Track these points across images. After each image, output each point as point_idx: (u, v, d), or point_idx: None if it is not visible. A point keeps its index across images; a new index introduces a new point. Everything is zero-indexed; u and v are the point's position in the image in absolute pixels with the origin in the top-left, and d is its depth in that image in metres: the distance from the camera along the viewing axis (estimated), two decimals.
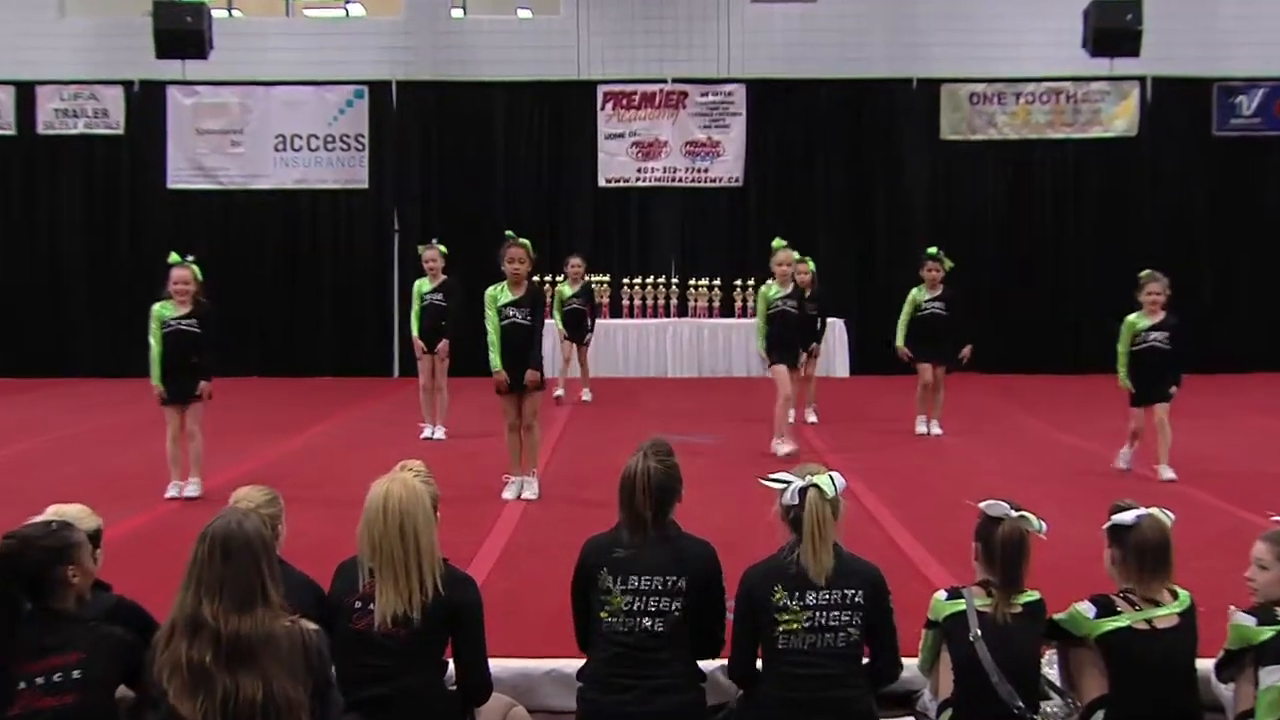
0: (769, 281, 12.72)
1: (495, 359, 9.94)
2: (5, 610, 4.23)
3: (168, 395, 10.16)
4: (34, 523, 4.40)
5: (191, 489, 10.07)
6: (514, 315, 9.96)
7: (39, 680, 4.11)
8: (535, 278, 10.63)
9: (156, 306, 10.20)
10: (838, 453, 11.94)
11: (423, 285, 13.57)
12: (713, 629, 5.14)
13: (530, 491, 10.08)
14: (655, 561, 4.95)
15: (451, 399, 13.46)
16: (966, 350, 13.47)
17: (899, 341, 13.53)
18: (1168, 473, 10.64)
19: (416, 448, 12.34)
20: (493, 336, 9.97)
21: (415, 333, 13.55)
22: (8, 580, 4.23)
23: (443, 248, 13.71)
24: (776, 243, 12.73)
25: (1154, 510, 5.14)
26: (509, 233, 10.31)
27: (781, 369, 12.30)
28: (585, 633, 5.17)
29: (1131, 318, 11.07)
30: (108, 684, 4.24)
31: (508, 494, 10.03)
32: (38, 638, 4.17)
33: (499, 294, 10.00)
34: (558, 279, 17.76)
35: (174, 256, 10.44)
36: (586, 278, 17.15)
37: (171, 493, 10.08)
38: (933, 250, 13.66)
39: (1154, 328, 11.03)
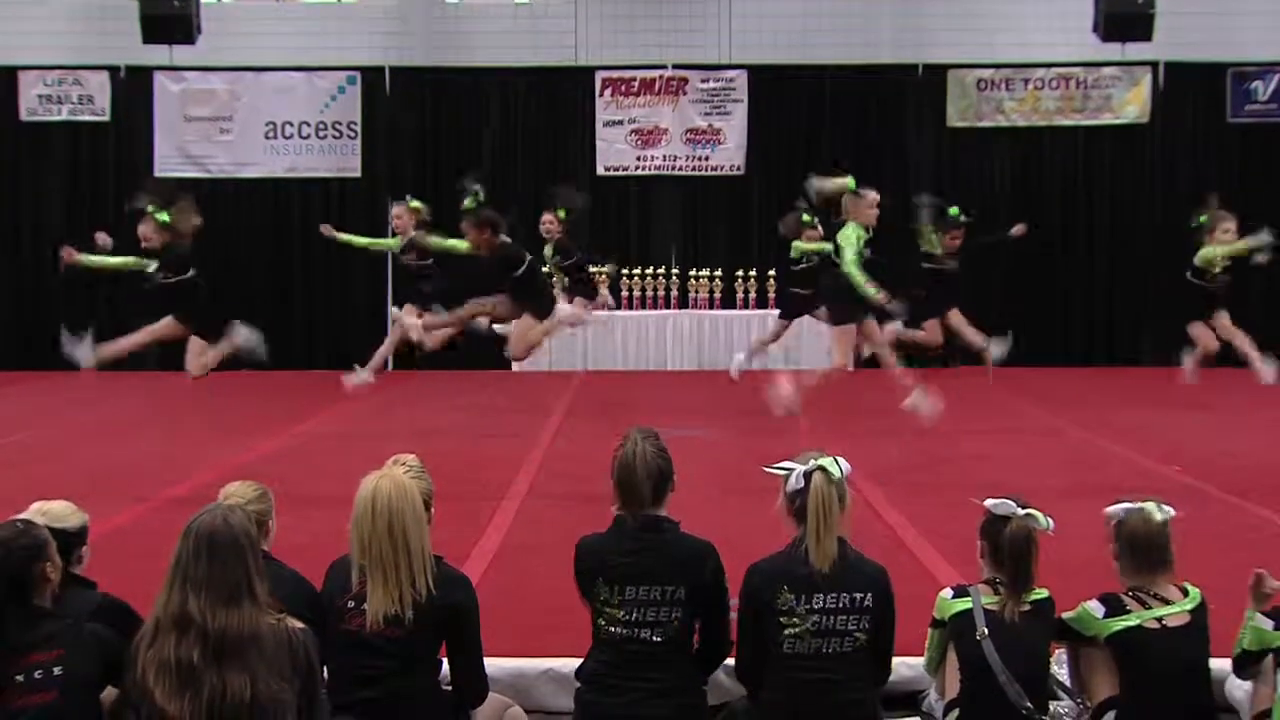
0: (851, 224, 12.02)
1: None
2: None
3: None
4: (1, 525, 4.40)
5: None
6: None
7: (19, 678, 4.12)
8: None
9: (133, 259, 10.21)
10: (841, 445, 11.91)
11: (394, 243, 13.32)
12: (717, 635, 5.12)
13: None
14: (653, 570, 4.91)
15: (449, 397, 13.42)
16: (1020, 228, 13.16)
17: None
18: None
19: (411, 442, 12.33)
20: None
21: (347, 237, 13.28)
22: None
23: (415, 203, 13.43)
24: (851, 183, 11.90)
25: (1146, 504, 5.14)
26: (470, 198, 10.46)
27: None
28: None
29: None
30: (89, 681, 4.25)
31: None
32: (18, 636, 4.18)
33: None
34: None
35: (150, 208, 10.35)
36: (564, 235, 16.01)
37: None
38: (954, 211, 13.37)
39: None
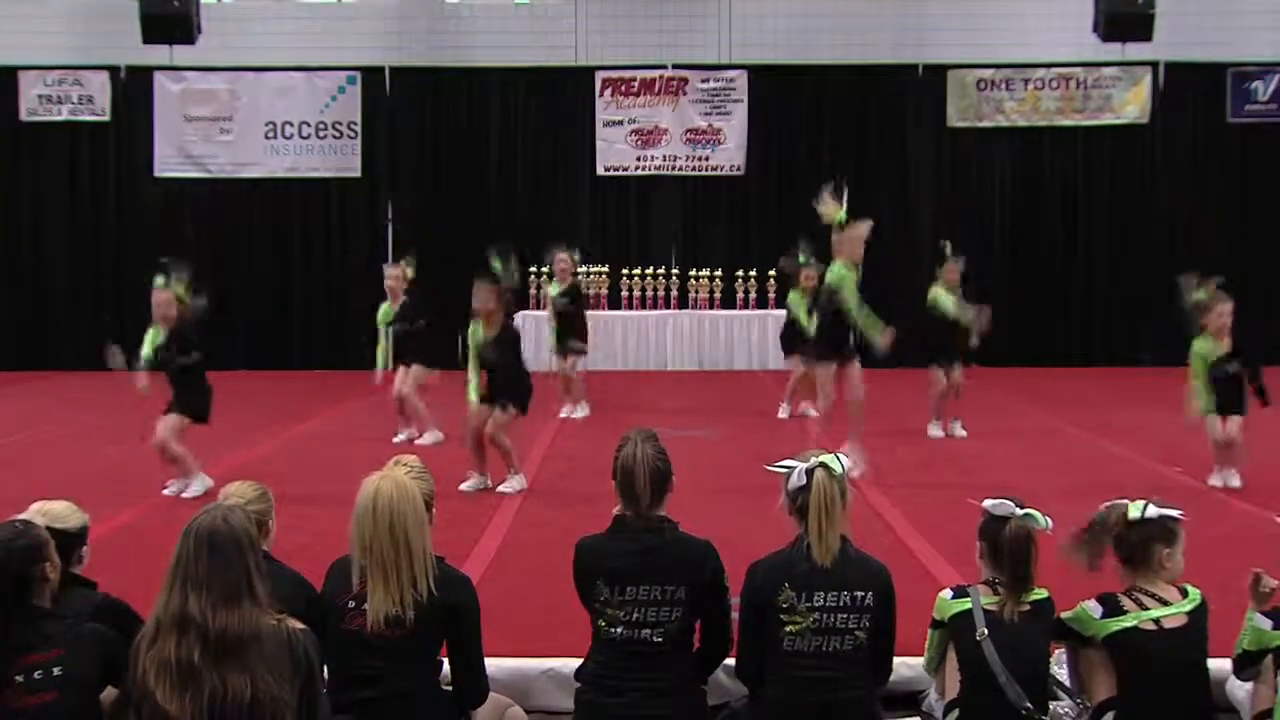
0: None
1: (471, 390, 10.33)
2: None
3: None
4: (2, 525, 4.40)
5: (193, 487, 10.01)
6: (488, 356, 10.30)
7: (19, 679, 4.12)
8: (511, 315, 10.89)
9: (150, 331, 10.30)
10: (841, 446, 11.93)
11: (386, 313, 13.40)
12: (718, 634, 5.12)
13: (517, 484, 10.27)
14: (653, 570, 4.91)
15: (449, 397, 13.39)
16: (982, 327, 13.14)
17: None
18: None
19: (413, 442, 12.34)
20: (470, 373, 10.37)
21: (380, 365, 13.38)
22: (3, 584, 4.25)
23: (409, 269, 13.52)
24: (840, 216, 11.18)
25: (1125, 501, 5.14)
26: (495, 263, 10.77)
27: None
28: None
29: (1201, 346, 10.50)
30: (89, 681, 4.25)
31: (466, 485, 10.23)
32: (17, 636, 4.18)
33: (475, 331, 10.36)
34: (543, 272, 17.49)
35: (158, 280, 10.43)
36: (575, 276, 15.69)
37: (169, 490, 10.16)
38: (947, 249, 13.35)
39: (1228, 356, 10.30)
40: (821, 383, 11.26)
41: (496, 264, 11.06)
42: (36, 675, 4.14)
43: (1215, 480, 10.39)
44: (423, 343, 13.27)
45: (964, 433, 12.95)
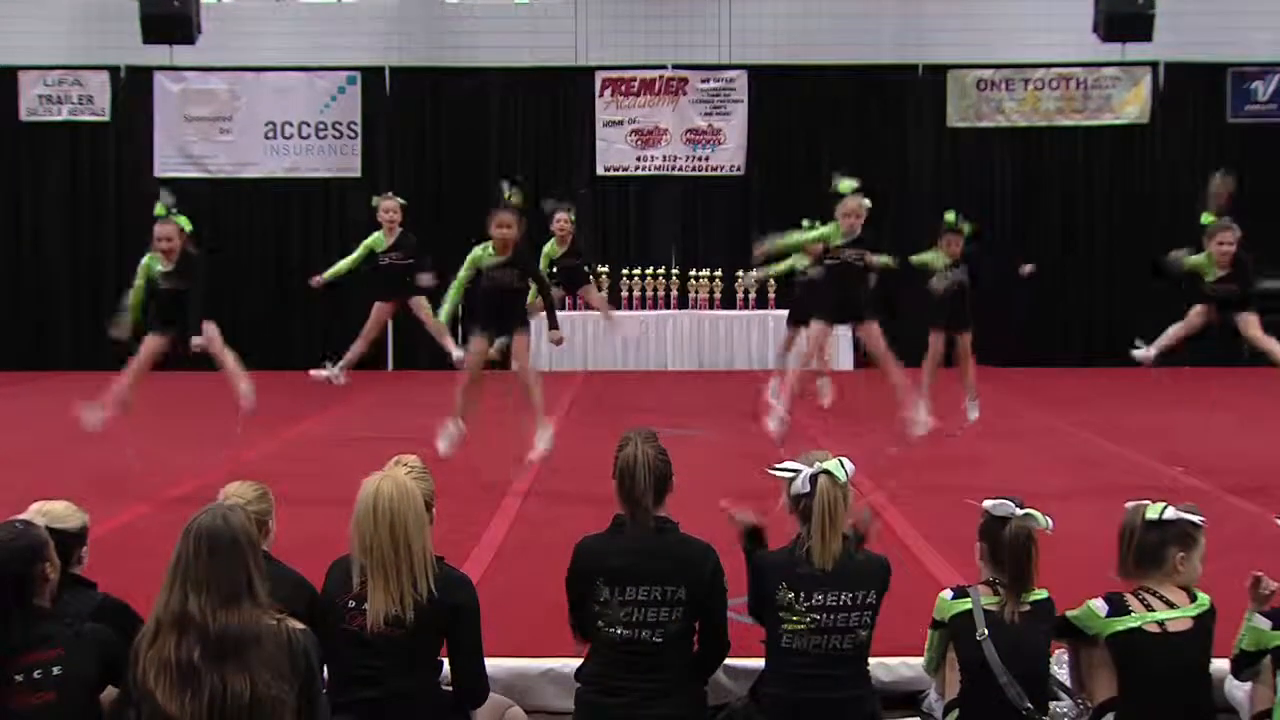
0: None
1: (445, 311, 10.14)
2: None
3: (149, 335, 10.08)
4: (1, 525, 4.40)
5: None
6: (498, 278, 10.03)
7: (19, 678, 4.12)
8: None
9: (147, 258, 10.16)
10: (842, 447, 11.92)
11: (377, 240, 13.18)
12: (716, 636, 5.12)
13: (544, 441, 10.12)
14: (653, 570, 4.92)
15: (449, 396, 13.36)
16: (1029, 268, 13.04)
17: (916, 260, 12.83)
18: None
19: (412, 443, 12.32)
20: (452, 293, 10.09)
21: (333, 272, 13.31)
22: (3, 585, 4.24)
23: (400, 199, 13.32)
24: (844, 185, 11.38)
25: (1146, 501, 5.14)
26: (504, 185, 10.31)
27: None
28: (582, 631, 5.14)
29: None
30: (89, 681, 4.25)
31: (442, 443, 10.06)
32: (17, 636, 4.18)
33: (483, 255, 10.02)
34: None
35: (159, 209, 10.33)
36: (575, 236, 15.23)
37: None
38: (950, 218, 13.15)
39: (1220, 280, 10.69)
40: (811, 339, 11.08)
41: (511, 195, 10.67)
42: (36, 675, 4.14)
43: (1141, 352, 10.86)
44: (413, 279, 13.09)
45: (975, 413, 12.81)
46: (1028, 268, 13.19)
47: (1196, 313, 10.59)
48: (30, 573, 4.30)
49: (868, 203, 10.46)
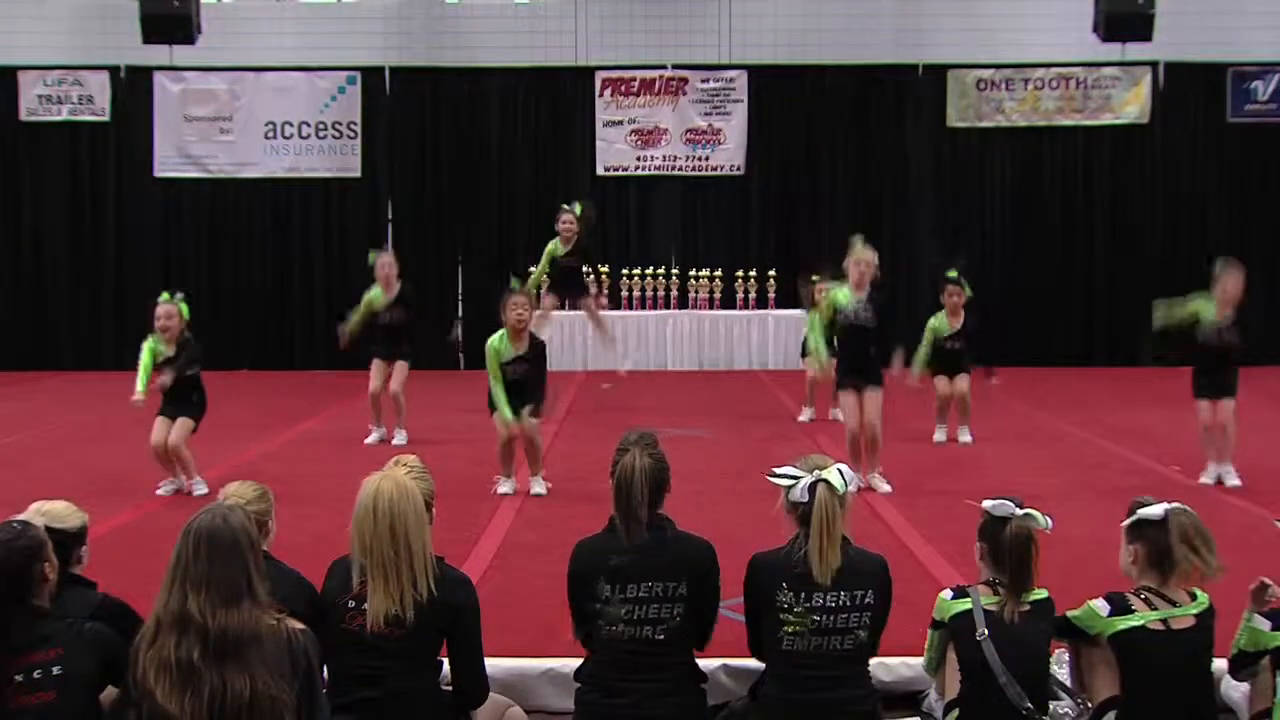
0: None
1: (504, 409, 10.02)
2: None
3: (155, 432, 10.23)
4: (0, 526, 4.39)
5: (198, 488, 10.12)
6: (515, 372, 10.09)
7: (19, 678, 4.12)
8: (535, 331, 10.62)
9: (150, 340, 10.32)
10: (841, 447, 11.93)
11: (376, 297, 13.19)
12: (704, 627, 5.12)
13: (539, 488, 10.17)
14: (653, 568, 4.91)
15: (449, 396, 13.41)
16: (994, 378, 13.10)
17: (915, 372, 12.62)
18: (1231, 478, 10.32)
19: (411, 442, 12.34)
20: (497, 390, 10.05)
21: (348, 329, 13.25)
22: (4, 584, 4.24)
23: (391, 257, 13.33)
24: (856, 244, 10.57)
25: (1178, 504, 5.13)
26: (514, 283, 10.44)
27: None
28: (583, 634, 5.14)
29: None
30: (88, 680, 4.25)
31: (503, 488, 10.12)
32: (17, 636, 4.18)
33: (500, 346, 10.08)
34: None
35: (164, 296, 10.50)
36: (579, 236, 15.01)
37: (164, 489, 10.19)
38: (953, 274, 12.98)
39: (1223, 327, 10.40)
40: (843, 409, 10.93)
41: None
42: (36, 675, 4.14)
43: (1207, 478, 10.41)
44: (410, 337, 13.18)
45: (969, 439, 12.84)
46: (994, 380, 13.13)
47: (1205, 411, 10.41)
48: (29, 572, 4.29)
49: (873, 257, 10.33)
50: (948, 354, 12.78)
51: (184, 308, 10.43)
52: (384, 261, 13.15)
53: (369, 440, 12.73)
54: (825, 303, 10.57)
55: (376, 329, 13.14)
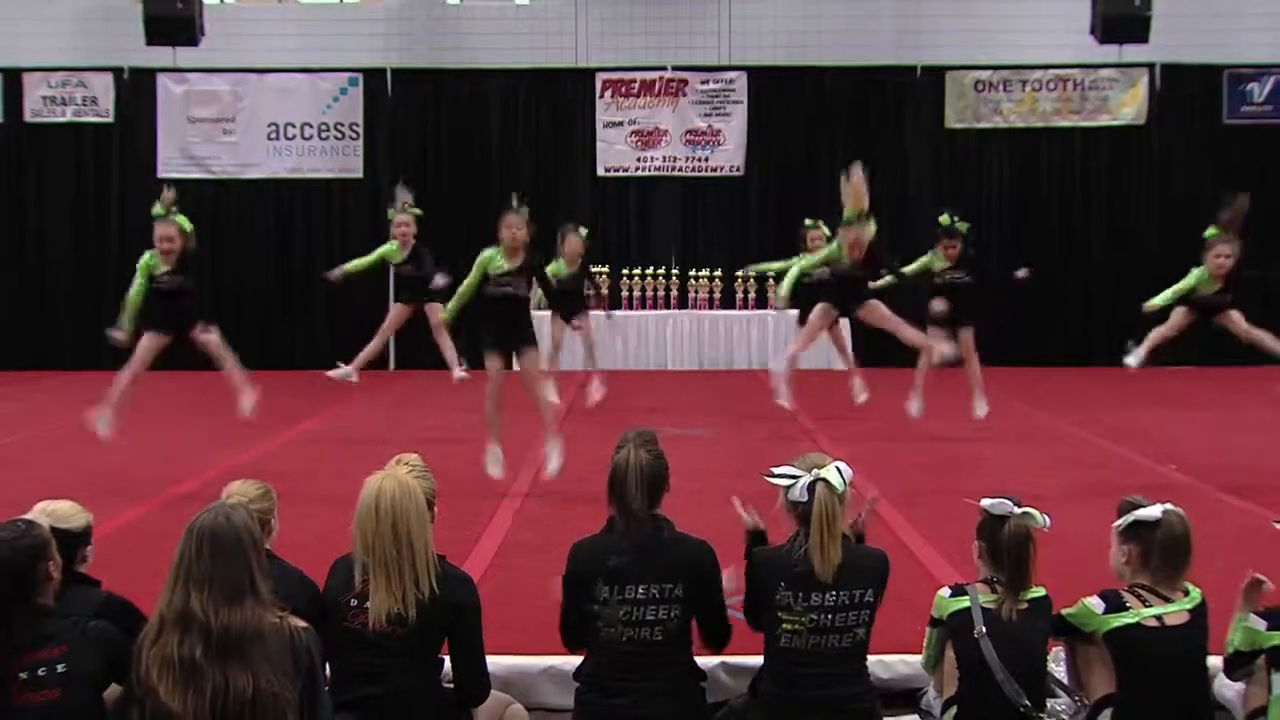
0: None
1: (452, 306, 10.06)
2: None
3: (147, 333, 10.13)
4: (3, 525, 4.39)
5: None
6: (508, 285, 9.88)
7: (23, 676, 4.12)
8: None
9: (146, 256, 10.15)
10: (841, 446, 11.94)
11: (392, 251, 13.09)
12: (715, 624, 5.12)
13: (554, 458, 10.10)
14: (652, 569, 4.91)
15: (450, 396, 13.38)
16: (1024, 271, 13.04)
17: (910, 270, 12.77)
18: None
19: (413, 442, 12.32)
20: (462, 290, 10.00)
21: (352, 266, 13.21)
22: (4, 586, 4.23)
23: (417, 210, 13.21)
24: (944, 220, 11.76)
25: (1169, 504, 5.14)
26: (514, 198, 10.24)
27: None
28: (572, 637, 5.14)
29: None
30: (93, 678, 4.25)
31: (492, 468, 10.01)
32: (21, 634, 4.18)
33: (493, 259, 9.90)
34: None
35: (157, 209, 10.29)
36: (583, 258, 15.29)
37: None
38: (945, 220, 12.97)
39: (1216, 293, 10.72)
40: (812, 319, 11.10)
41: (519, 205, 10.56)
42: (40, 672, 4.14)
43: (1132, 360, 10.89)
44: (428, 284, 13.07)
45: (984, 409, 12.70)
46: (1023, 271, 13.14)
47: (1180, 314, 10.60)
48: (34, 571, 4.29)
49: (872, 229, 10.41)
50: (947, 288, 12.64)
51: (184, 222, 10.22)
52: (399, 220, 13.05)
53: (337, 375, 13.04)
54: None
55: (397, 279, 13.09)
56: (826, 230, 13.80)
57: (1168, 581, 5.04)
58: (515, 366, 10.32)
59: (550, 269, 14.67)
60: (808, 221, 14.21)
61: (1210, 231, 10.61)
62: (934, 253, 12.94)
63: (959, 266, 12.79)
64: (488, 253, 9.94)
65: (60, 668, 4.16)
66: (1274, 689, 4.43)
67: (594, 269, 15.94)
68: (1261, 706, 4.80)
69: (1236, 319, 10.56)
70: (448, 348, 12.84)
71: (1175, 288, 10.62)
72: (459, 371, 12.80)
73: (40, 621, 4.25)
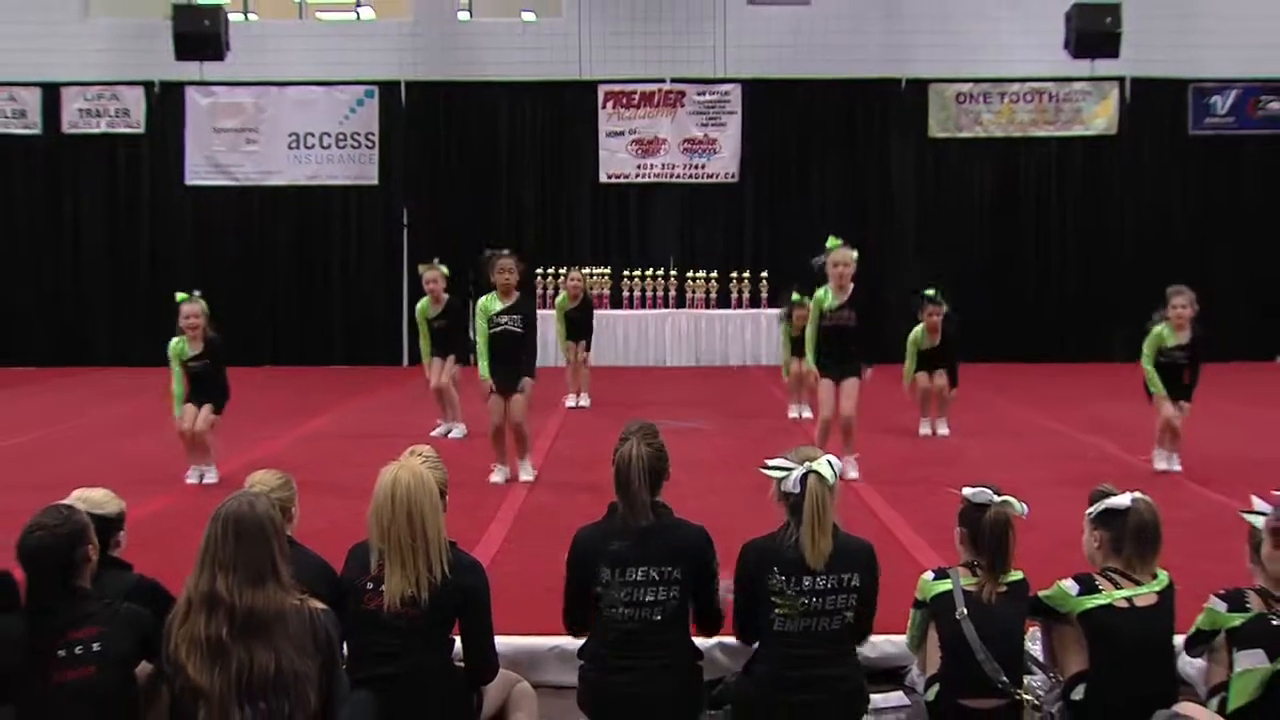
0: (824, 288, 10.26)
1: (484, 367, 9.93)
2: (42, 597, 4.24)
3: (184, 418, 10.21)
4: (45, 511, 4.38)
5: (210, 476, 10.13)
6: (505, 323, 9.90)
7: (61, 653, 4.12)
8: (527, 288, 10.60)
9: (174, 343, 10.18)
10: (834, 442, 11.93)
11: (425, 309, 13.13)
12: (709, 608, 5.12)
13: (527, 474, 10.13)
14: (652, 553, 4.90)
15: (462, 386, 13.35)
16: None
17: (906, 380, 12.71)
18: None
19: (426, 434, 12.33)
20: (481, 346, 9.97)
21: (425, 360, 13.18)
22: (47, 569, 4.22)
23: (444, 268, 13.25)
24: (832, 241, 10.25)
25: (1138, 492, 5.14)
26: (487, 252, 10.29)
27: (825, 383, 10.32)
28: (574, 619, 5.13)
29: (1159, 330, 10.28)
30: (126, 657, 4.24)
31: (495, 477, 10.03)
32: (61, 614, 4.18)
33: (490, 304, 9.96)
34: (559, 280, 17.37)
35: (180, 295, 10.34)
36: (585, 293, 15.74)
37: (191, 478, 10.13)
38: (930, 292, 12.65)
39: (1178, 346, 10.30)
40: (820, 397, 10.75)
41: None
42: (77, 650, 4.14)
43: (1160, 464, 10.40)
44: (458, 339, 13.13)
45: (946, 431, 12.77)
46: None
47: (1164, 404, 10.37)
48: (74, 556, 4.28)
49: (854, 254, 10.07)
50: (927, 356, 12.68)
51: (204, 304, 10.25)
52: (429, 276, 13.01)
53: (434, 434, 12.59)
54: (812, 311, 10.39)
55: (432, 333, 13.00)
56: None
57: (1137, 565, 5.04)
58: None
59: (558, 302, 15.40)
60: (795, 296, 13.93)
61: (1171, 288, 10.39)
62: (919, 329, 12.73)
63: (940, 345, 12.61)
64: (484, 301, 10.02)
65: (96, 646, 4.15)
66: (1237, 665, 4.43)
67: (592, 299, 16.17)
68: (1222, 682, 4.79)
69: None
70: (449, 401, 12.80)
71: (1145, 363, 10.41)
72: (458, 429, 12.73)
73: (78, 602, 4.24)
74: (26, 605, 4.25)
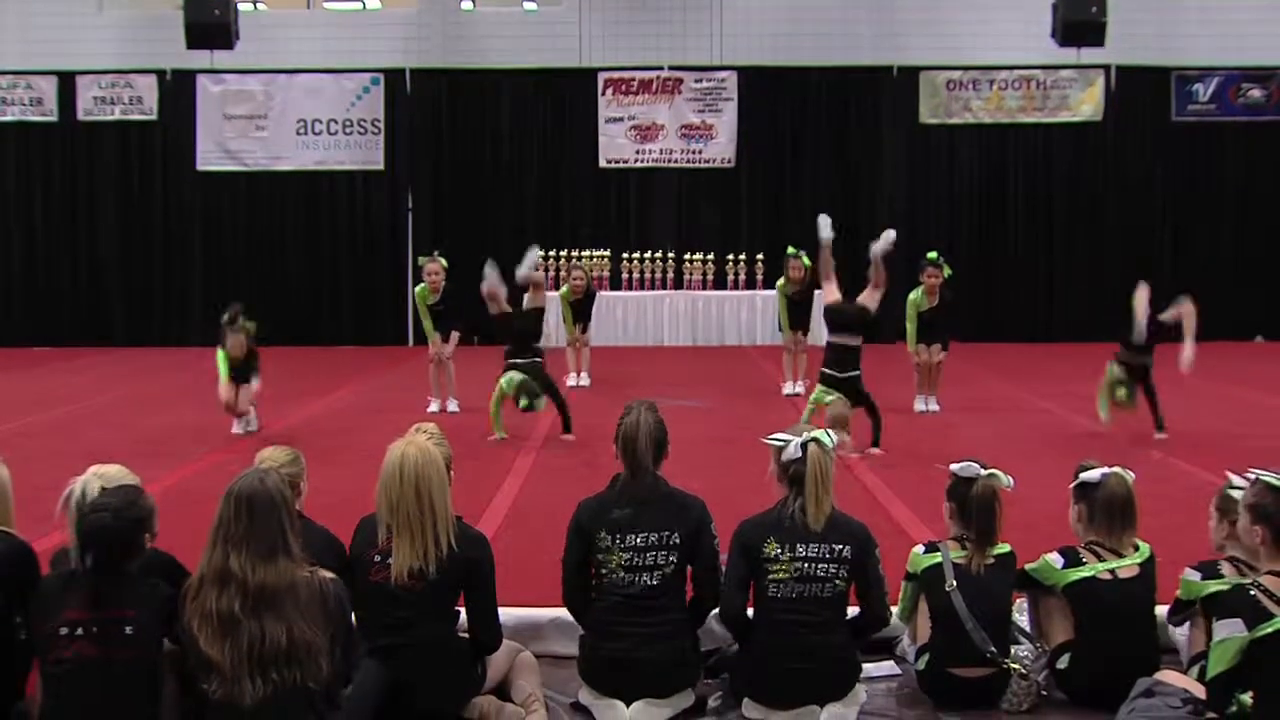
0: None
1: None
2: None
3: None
4: (112, 491, 4.32)
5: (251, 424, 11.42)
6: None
7: (95, 629, 4.08)
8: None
9: (221, 354, 11.22)
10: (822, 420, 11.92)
11: (424, 295, 13.14)
12: (708, 576, 5.10)
13: (453, 405, 12.62)
14: (651, 519, 4.93)
15: (463, 369, 13.35)
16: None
17: (911, 346, 12.73)
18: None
19: (428, 413, 12.34)
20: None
21: (430, 337, 13.22)
22: (106, 549, 4.16)
23: (443, 260, 13.26)
24: (931, 255, 12.80)
25: (1117, 468, 5.16)
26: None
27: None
28: (573, 594, 5.13)
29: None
30: (155, 636, 4.20)
31: (432, 408, 12.41)
32: (98, 590, 4.13)
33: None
34: (559, 263, 17.35)
35: (225, 319, 11.48)
36: (588, 287, 15.70)
37: (237, 429, 11.31)
38: (933, 255, 12.75)
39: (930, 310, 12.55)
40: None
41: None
42: (111, 628, 4.10)
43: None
44: (455, 319, 13.24)
45: (937, 408, 12.79)
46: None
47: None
48: (136, 540, 4.23)
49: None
50: (925, 325, 12.73)
51: (251, 327, 11.41)
52: (430, 268, 13.04)
53: (430, 410, 12.72)
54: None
55: (433, 315, 13.09)
56: (807, 260, 13.63)
57: (1116, 537, 5.06)
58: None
59: (561, 293, 15.56)
60: (790, 250, 13.98)
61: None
62: (918, 293, 12.74)
63: (937, 308, 12.68)
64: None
65: (128, 629, 4.10)
66: (1215, 634, 4.44)
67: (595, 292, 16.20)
68: (1203, 651, 4.81)
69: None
70: (440, 387, 12.97)
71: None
72: (451, 405, 12.95)
73: (118, 581, 4.18)
74: (72, 577, 4.19)
